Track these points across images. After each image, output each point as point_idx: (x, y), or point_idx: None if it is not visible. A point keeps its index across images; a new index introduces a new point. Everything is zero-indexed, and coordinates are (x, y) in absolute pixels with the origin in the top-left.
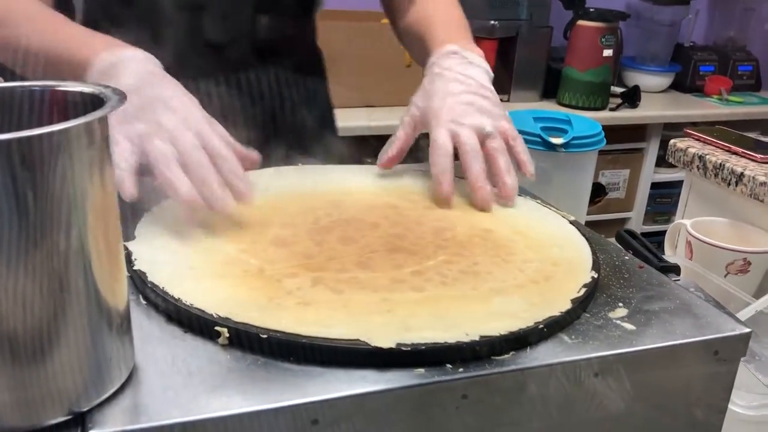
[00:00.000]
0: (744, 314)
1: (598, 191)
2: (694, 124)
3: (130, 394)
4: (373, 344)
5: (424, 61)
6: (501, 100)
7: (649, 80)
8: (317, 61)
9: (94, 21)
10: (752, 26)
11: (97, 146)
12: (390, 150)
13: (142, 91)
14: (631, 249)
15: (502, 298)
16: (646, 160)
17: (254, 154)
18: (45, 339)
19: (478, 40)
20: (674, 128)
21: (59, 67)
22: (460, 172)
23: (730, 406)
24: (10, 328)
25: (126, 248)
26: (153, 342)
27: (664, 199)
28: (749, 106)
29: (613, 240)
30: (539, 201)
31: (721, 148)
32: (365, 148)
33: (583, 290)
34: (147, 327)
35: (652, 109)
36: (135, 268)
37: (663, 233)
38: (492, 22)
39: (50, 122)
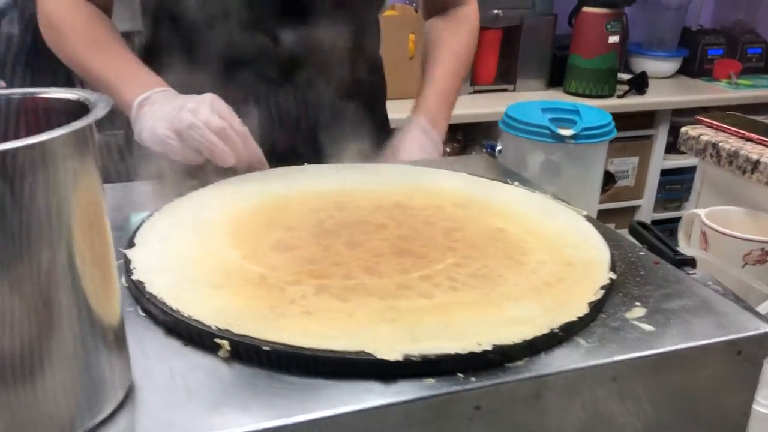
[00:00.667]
0: (764, 307)
1: (607, 180)
2: (703, 109)
3: (126, 415)
4: (378, 356)
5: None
6: (506, 90)
7: (657, 66)
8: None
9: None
10: (761, 8)
11: (84, 156)
12: None
13: (172, 101)
14: (645, 242)
15: (514, 303)
16: (655, 147)
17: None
18: (33, 360)
19: (481, 30)
20: (683, 114)
21: (103, 92)
22: (468, 169)
23: (754, 405)
24: None
25: (124, 256)
26: (151, 357)
27: (675, 186)
28: (759, 89)
29: (626, 231)
30: (551, 196)
31: (735, 135)
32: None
33: (601, 292)
34: (145, 341)
35: (660, 95)
36: (133, 277)
37: (675, 220)
38: (495, 11)
39: (34, 131)
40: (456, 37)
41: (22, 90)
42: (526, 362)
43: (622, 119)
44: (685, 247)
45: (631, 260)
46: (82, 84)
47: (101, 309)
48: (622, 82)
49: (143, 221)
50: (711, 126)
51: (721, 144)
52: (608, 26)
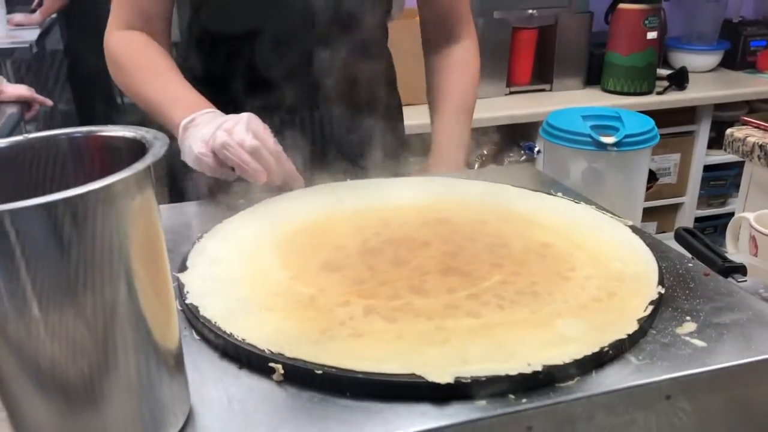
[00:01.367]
0: None
1: (649, 178)
2: (746, 103)
3: None
4: (429, 379)
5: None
6: (543, 90)
7: (697, 60)
8: (387, 67)
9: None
10: None
11: (143, 194)
12: None
13: (213, 121)
14: (691, 249)
15: (564, 321)
16: (697, 143)
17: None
18: (98, 388)
19: (516, 30)
20: (726, 108)
21: (156, 117)
22: (511, 180)
23: None
24: (63, 379)
25: (177, 280)
26: (208, 382)
27: (719, 182)
28: None
29: (670, 237)
30: (595, 206)
31: None
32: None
33: (650, 308)
34: (201, 365)
35: (701, 90)
36: (187, 301)
37: (719, 217)
38: (530, 11)
39: (94, 169)
40: (460, 83)
41: (84, 128)
42: (577, 381)
43: (662, 116)
44: (733, 253)
45: (680, 272)
46: (122, 98)
47: (161, 336)
48: (661, 78)
49: (194, 243)
50: (758, 126)
51: None
52: (646, 22)
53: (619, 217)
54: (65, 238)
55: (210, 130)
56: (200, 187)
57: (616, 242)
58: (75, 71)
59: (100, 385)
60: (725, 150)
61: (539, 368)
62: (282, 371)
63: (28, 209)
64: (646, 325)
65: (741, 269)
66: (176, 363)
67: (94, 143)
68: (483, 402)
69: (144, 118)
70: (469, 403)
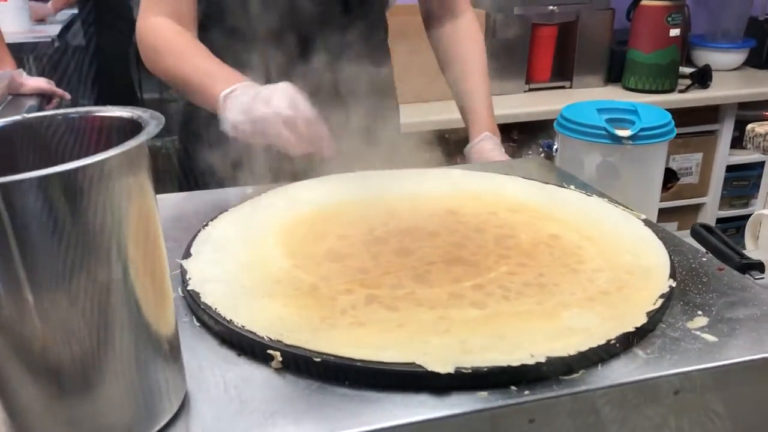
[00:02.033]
0: None
1: (669, 177)
2: None
3: (181, 425)
4: (429, 368)
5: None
6: (563, 87)
7: (721, 58)
8: (386, 60)
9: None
10: None
11: (137, 173)
12: None
13: (251, 91)
14: (708, 245)
15: (570, 312)
16: (720, 143)
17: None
18: (91, 371)
19: (536, 27)
20: (750, 107)
21: (195, 95)
22: (524, 172)
23: None
24: (55, 361)
25: (181, 266)
26: (206, 368)
27: (742, 182)
28: None
29: (688, 234)
30: (608, 199)
31: None
32: (422, 144)
33: (660, 301)
34: (200, 351)
35: (724, 89)
36: (188, 288)
37: (742, 218)
38: (551, 7)
39: (89, 148)
40: (476, 52)
41: (81, 109)
42: (582, 374)
43: (685, 114)
44: (752, 250)
45: (693, 266)
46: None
47: (156, 320)
48: (684, 77)
49: (199, 231)
50: None
51: None
52: (669, 19)
53: (632, 210)
54: (58, 215)
55: (248, 99)
56: (214, 175)
57: (627, 235)
58: (97, 67)
59: (92, 369)
60: (745, 145)
61: (543, 360)
62: (280, 358)
63: (20, 183)
64: (655, 318)
65: (759, 266)
66: (171, 348)
67: (91, 124)
68: (484, 393)
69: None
70: (470, 394)
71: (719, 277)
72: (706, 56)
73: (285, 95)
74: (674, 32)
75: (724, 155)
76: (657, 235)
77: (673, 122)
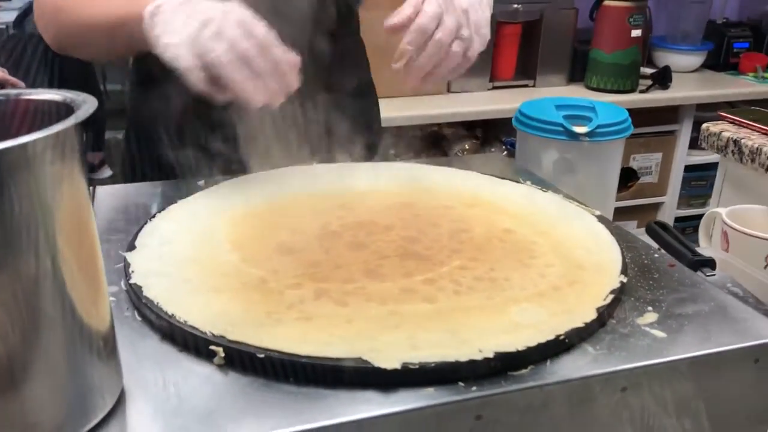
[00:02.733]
0: None
1: (629, 176)
2: (729, 104)
3: (116, 424)
4: (376, 364)
5: None
6: (526, 85)
7: (681, 60)
8: (361, 54)
9: None
10: None
11: (65, 159)
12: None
13: (189, 6)
14: (662, 242)
15: (520, 307)
16: (679, 143)
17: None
18: (18, 368)
19: (501, 25)
20: (708, 108)
21: (116, 30)
22: (482, 168)
23: None
24: None
25: (124, 259)
26: (145, 364)
27: (700, 182)
28: None
29: (643, 232)
30: (563, 195)
31: (758, 131)
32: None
33: (611, 297)
34: (140, 347)
35: (684, 90)
36: (131, 281)
37: (699, 217)
38: (515, 5)
39: (19, 132)
40: None
41: (11, 91)
42: (531, 370)
43: (645, 114)
44: (705, 248)
45: (645, 263)
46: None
47: (88, 316)
48: (645, 77)
49: (146, 223)
50: (733, 122)
51: (743, 141)
52: (631, 20)
53: (586, 206)
54: None
55: (192, 28)
56: (163, 166)
57: (580, 231)
58: (55, 55)
59: (19, 366)
60: (700, 144)
61: (491, 355)
62: (223, 354)
63: None
64: (605, 313)
65: (710, 263)
66: (105, 343)
67: (21, 108)
68: (431, 389)
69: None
70: (417, 390)
71: (670, 274)
72: (667, 58)
73: (242, 24)
74: (636, 33)
75: (683, 155)
76: (610, 231)
77: (630, 119)
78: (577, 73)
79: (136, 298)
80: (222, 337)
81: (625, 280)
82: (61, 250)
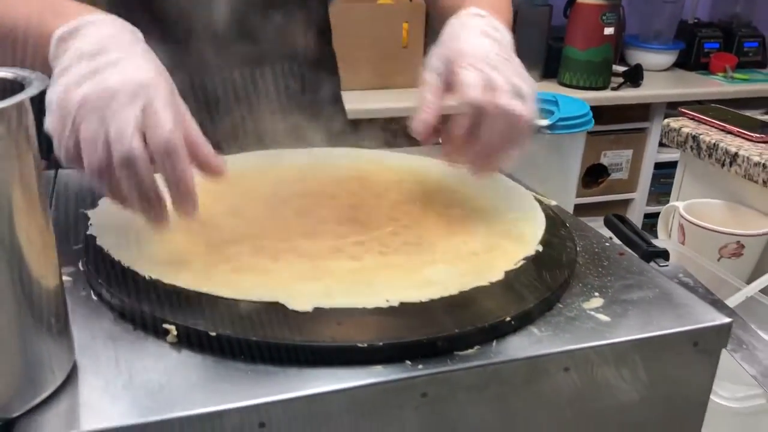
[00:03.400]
0: (734, 300)
1: (600, 172)
2: (699, 103)
3: (66, 398)
4: (290, 307)
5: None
6: None
7: (653, 58)
8: (327, 49)
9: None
10: (758, 2)
11: (14, 135)
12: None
13: (96, 59)
14: (620, 234)
15: (434, 268)
16: (649, 140)
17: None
18: None
19: None
20: (678, 107)
21: (26, 46)
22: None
23: (713, 397)
24: None
25: (85, 215)
26: (99, 341)
27: (669, 180)
28: (755, 84)
29: (597, 225)
30: (519, 184)
31: (716, 128)
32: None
33: (522, 262)
34: (95, 325)
35: (655, 88)
36: (88, 232)
37: None
38: None
39: None
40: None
41: None
42: (477, 350)
43: (616, 112)
44: (663, 240)
45: (596, 251)
46: None
47: (39, 290)
48: (617, 75)
49: None
50: (693, 118)
51: (701, 136)
52: (603, 18)
53: (543, 196)
54: None
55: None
56: None
57: (517, 210)
58: None
59: None
60: (662, 139)
61: (396, 305)
62: (176, 333)
63: None
64: (515, 278)
65: (663, 254)
66: (57, 319)
67: None
68: (379, 367)
69: None
70: (366, 368)
71: (619, 262)
72: (639, 56)
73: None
74: (608, 31)
75: (653, 153)
76: (565, 220)
77: (591, 113)
78: (551, 70)
79: (86, 249)
80: (158, 280)
81: (540, 249)
82: (14, 226)
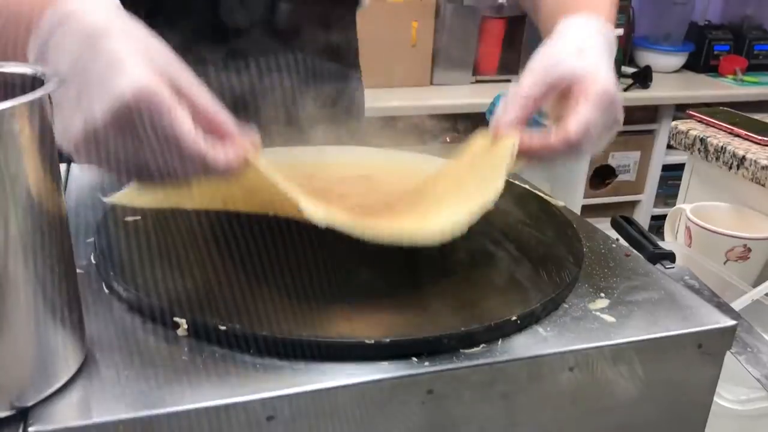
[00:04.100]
0: (740, 303)
1: (607, 173)
2: (707, 105)
3: (79, 388)
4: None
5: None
6: (509, 80)
7: (662, 60)
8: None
9: None
10: None
11: (34, 129)
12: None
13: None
14: (627, 236)
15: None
16: (657, 142)
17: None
18: None
19: (485, 19)
20: (687, 109)
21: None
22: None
23: (717, 399)
24: None
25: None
26: (110, 331)
27: (676, 182)
28: (765, 87)
29: (604, 226)
30: (529, 186)
31: (724, 131)
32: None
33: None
34: (106, 316)
35: (664, 90)
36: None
37: None
38: (500, 1)
39: None
40: None
41: None
42: (483, 349)
43: (625, 113)
44: (670, 242)
45: (602, 252)
46: None
47: (56, 282)
48: (626, 76)
49: None
50: (701, 121)
51: (709, 139)
52: None
53: (551, 197)
54: None
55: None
56: None
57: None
58: None
59: None
60: (670, 141)
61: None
62: (186, 326)
63: None
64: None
65: (669, 256)
66: (71, 310)
67: None
68: (385, 363)
69: None
70: (372, 364)
71: (626, 263)
72: (648, 57)
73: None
74: (618, 31)
75: (661, 154)
76: (573, 221)
77: None
78: None
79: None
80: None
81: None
82: (29, 217)
